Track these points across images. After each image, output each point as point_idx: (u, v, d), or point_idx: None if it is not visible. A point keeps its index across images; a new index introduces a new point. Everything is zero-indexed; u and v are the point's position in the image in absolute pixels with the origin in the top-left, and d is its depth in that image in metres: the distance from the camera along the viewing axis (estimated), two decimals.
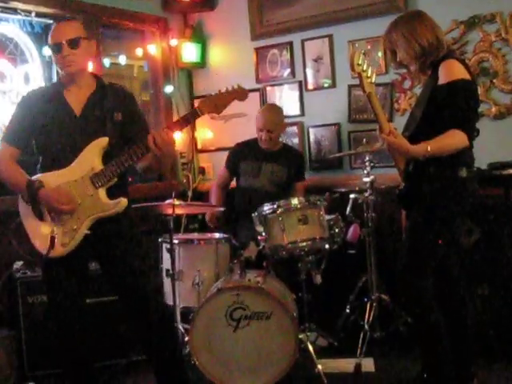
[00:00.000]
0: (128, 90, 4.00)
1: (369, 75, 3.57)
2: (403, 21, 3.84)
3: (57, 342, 3.84)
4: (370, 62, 3.73)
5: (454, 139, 3.57)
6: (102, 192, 3.61)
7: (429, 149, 3.54)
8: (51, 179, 3.61)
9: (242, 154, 5.59)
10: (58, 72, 5.38)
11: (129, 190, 3.90)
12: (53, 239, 3.54)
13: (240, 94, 3.64)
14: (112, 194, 3.64)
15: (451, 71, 3.63)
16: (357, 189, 5.01)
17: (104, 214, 3.61)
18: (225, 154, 5.78)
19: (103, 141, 3.62)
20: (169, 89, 6.36)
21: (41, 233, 3.64)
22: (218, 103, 3.58)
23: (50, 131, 3.67)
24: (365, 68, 3.54)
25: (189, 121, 3.64)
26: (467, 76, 3.64)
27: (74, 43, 3.62)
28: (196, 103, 6.48)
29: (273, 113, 5.48)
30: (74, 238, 3.60)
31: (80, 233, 3.60)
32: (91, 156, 3.61)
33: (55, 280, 3.72)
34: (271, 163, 5.44)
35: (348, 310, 5.08)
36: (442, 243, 3.73)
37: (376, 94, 3.69)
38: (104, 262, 3.83)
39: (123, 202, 3.63)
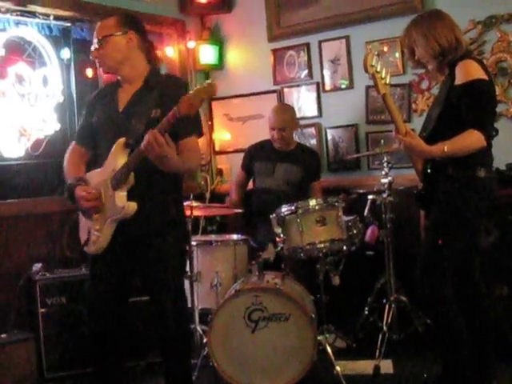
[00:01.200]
0: (183, 81, 3.91)
1: (383, 76, 3.55)
2: (423, 19, 3.84)
3: (90, 341, 3.84)
4: (384, 63, 3.69)
5: (471, 140, 3.55)
6: (119, 194, 3.49)
7: (445, 149, 3.53)
8: (93, 177, 3.65)
9: (255, 155, 5.60)
10: (80, 74, 5.56)
11: (178, 195, 3.86)
12: (88, 235, 3.63)
13: (208, 90, 3.29)
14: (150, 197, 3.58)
15: (468, 71, 3.62)
16: (375, 190, 4.97)
17: (116, 218, 3.53)
18: (242, 156, 5.77)
19: (121, 141, 3.52)
20: None
21: (84, 229, 3.72)
22: (192, 102, 3.26)
23: (98, 128, 3.70)
24: (378, 69, 3.53)
25: (169, 122, 3.31)
26: (484, 76, 3.62)
27: (99, 44, 3.63)
28: (214, 105, 6.54)
29: (283, 111, 5.49)
30: (100, 238, 3.59)
31: (104, 234, 3.57)
32: (115, 156, 3.54)
33: (97, 277, 3.73)
34: (285, 163, 5.43)
35: (366, 312, 5.05)
36: (450, 244, 3.72)
37: (391, 94, 3.67)
38: (141, 265, 3.73)
39: (131, 205, 3.48)
